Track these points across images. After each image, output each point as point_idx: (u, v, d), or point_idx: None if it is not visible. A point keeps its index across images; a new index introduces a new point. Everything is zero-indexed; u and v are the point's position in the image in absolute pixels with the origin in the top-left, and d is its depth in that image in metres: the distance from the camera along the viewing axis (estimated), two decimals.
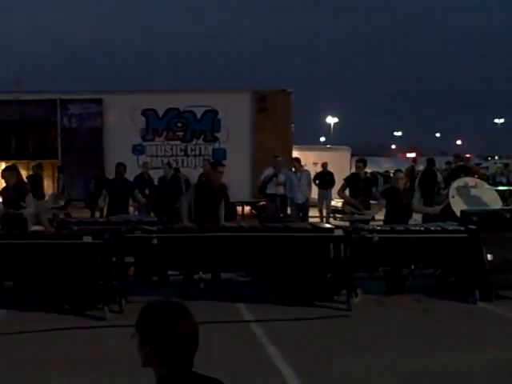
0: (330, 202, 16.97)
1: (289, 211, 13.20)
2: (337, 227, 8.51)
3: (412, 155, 37.65)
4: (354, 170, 13.20)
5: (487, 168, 30.88)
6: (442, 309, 7.82)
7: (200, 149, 16.97)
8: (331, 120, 68.41)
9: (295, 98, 17.18)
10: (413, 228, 8.76)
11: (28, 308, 7.69)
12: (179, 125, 16.99)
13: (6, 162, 19.56)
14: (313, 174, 15.41)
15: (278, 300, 7.95)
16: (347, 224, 9.06)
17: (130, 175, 11.66)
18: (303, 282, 7.93)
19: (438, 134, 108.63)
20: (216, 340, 5.88)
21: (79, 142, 17.07)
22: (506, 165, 30.51)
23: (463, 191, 10.53)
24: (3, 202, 9.02)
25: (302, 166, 14.00)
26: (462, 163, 14.99)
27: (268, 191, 12.73)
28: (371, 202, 10.49)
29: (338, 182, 13.49)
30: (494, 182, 22.40)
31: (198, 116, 16.93)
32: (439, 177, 14.14)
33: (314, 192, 15.42)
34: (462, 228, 8.39)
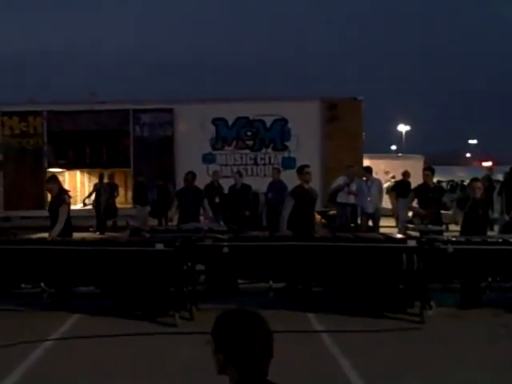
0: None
1: (359, 221, 13.03)
2: (410, 237, 8.30)
3: (488, 164, 36.44)
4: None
5: None
6: None
7: (269, 157, 17.00)
8: (403, 128, 67.22)
9: (366, 106, 16.98)
10: (490, 239, 8.44)
11: (101, 313, 7.84)
12: (249, 134, 17.09)
13: (81, 171, 20.24)
14: (383, 183, 15.14)
15: (348, 310, 7.82)
16: (419, 234, 8.82)
17: (200, 184, 11.76)
18: (375, 292, 7.78)
19: None
20: (287, 350, 5.82)
21: (151, 151, 17.42)
22: None
23: None
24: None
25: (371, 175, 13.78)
26: None
27: (339, 200, 12.60)
28: (442, 211, 10.15)
29: None
30: None
31: (268, 125, 16.98)
32: None
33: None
34: None
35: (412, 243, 7.80)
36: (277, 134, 16.97)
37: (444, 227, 9.73)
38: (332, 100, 17.10)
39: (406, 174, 16.72)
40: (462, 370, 5.80)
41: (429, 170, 10.48)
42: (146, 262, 7.67)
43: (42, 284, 7.89)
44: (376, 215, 12.85)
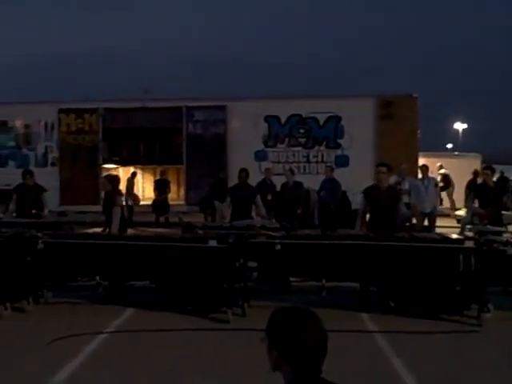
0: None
1: (414, 220, 12.77)
2: (467, 238, 8.09)
3: None
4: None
5: None
6: None
7: (322, 155, 16.87)
8: (460, 126, 65.73)
9: (421, 103, 16.67)
10: None
11: (154, 308, 7.91)
12: (301, 131, 17.00)
13: (135, 167, 20.53)
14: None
15: (403, 311, 7.67)
16: (476, 235, 8.57)
17: (252, 181, 11.73)
18: (430, 293, 7.60)
19: None
20: (340, 349, 5.74)
21: (203, 148, 17.52)
22: None
23: None
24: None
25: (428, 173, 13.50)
26: None
27: None
28: (503, 212, 9.84)
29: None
30: None
31: (321, 122, 16.86)
32: None
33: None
34: None
35: (469, 244, 7.60)
36: (330, 132, 16.83)
37: (504, 228, 9.41)
38: (387, 97, 16.85)
39: (476, 174, 16.29)
40: None
41: (489, 169, 10.16)
42: (199, 258, 7.70)
43: (98, 277, 8.02)
44: (432, 215, 12.59)
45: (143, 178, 21.09)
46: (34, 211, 10.04)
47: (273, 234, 8.15)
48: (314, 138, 16.97)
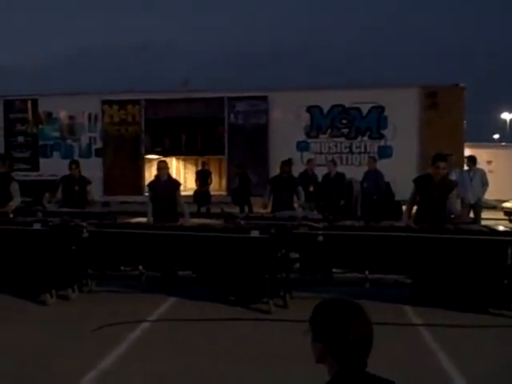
0: None
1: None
2: None
3: None
4: None
5: None
6: None
7: (365, 146, 16.70)
8: (507, 116, 64.14)
9: (467, 93, 16.29)
10: None
11: (196, 298, 7.94)
12: (344, 121, 16.85)
13: (177, 158, 20.67)
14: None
15: (447, 305, 7.51)
16: None
17: (294, 172, 11.68)
18: (476, 287, 7.43)
19: None
20: (383, 343, 5.65)
21: (245, 139, 17.52)
22: None
23: None
24: (155, 194, 9.49)
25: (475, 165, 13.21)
26: None
27: None
28: None
29: None
30: None
31: (364, 112, 16.68)
32: None
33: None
34: None
35: None
36: (373, 122, 16.63)
37: None
38: (432, 87, 16.53)
39: None
40: None
41: None
42: (241, 248, 7.68)
43: (141, 267, 8.08)
44: (478, 206, 12.33)
45: (185, 168, 21.22)
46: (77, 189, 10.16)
47: (315, 225, 8.07)
48: (356, 128, 16.80)
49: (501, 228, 8.52)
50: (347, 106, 16.77)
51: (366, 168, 14.05)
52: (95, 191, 11.07)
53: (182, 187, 17.12)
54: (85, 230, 8.10)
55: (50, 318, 7.17)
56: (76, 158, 16.93)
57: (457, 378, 5.27)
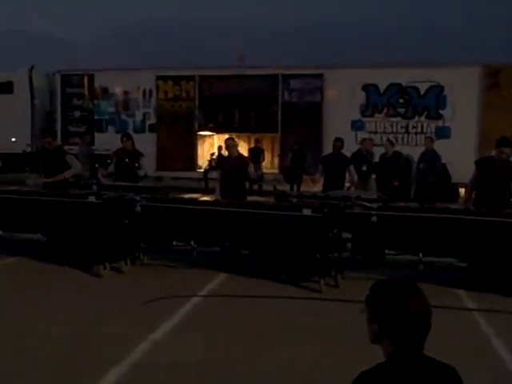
0: None
1: None
2: None
3: None
4: None
5: None
6: None
7: (422, 126, 16.33)
8: None
9: None
10: None
11: (247, 274, 7.93)
12: (401, 101, 16.51)
13: (230, 134, 20.68)
14: None
15: (501, 290, 7.27)
16: None
17: (347, 151, 11.47)
18: None
19: None
20: (438, 326, 5.51)
21: (299, 117, 17.37)
22: None
23: None
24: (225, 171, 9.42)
25: None
26: None
27: None
28: None
29: None
30: None
31: (422, 92, 16.29)
32: None
33: None
34: None
35: None
36: (431, 102, 16.23)
37: None
38: (494, 65, 15.98)
39: None
40: None
41: None
42: (292, 226, 7.60)
43: (192, 242, 8.10)
44: None
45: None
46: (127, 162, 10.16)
47: (369, 205, 7.92)
48: (413, 107, 16.44)
49: None
50: (405, 84, 16.40)
51: (422, 148, 13.73)
52: (148, 166, 11.11)
53: None
54: (138, 204, 8.16)
55: (103, 289, 7.28)
56: (130, 132, 17.13)
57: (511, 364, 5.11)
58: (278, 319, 6.19)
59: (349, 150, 11.92)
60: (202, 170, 18.81)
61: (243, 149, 20.70)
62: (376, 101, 16.67)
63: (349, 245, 8.17)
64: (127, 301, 6.73)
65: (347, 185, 11.04)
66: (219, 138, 20.42)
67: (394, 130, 16.44)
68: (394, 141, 13.90)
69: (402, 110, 16.52)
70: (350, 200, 8.35)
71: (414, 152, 14.39)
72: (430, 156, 13.10)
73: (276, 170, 18.13)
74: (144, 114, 19.35)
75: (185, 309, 6.43)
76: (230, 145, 9.50)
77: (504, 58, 20.96)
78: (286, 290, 7.28)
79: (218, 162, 9.81)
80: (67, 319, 6.01)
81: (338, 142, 10.66)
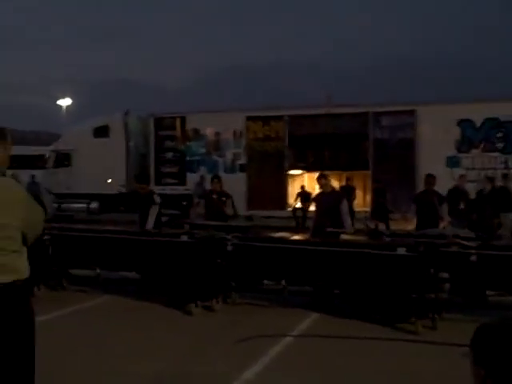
0: None
1: None
2: None
3: None
4: None
5: None
6: None
7: None
8: None
9: None
10: None
11: (339, 314, 7.73)
12: (499, 135, 15.91)
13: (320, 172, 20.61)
14: None
15: None
16: None
17: (443, 188, 11.06)
18: None
19: None
20: None
21: (390, 154, 17.09)
22: None
23: None
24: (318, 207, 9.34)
25: None
26: None
27: None
28: None
29: None
30: None
31: None
32: None
33: None
34: None
35: None
36: None
37: None
38: None
39: None
40: None
41: None
42: (386, 265, 7.37)
43: (283, 281, 8.00)
44: None
45: None
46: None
47: (467, 243, 7.57)
48: None
49: None
50: (502, 119, 15.82)
51: None
52: (239, 205, 11.18)
53: None
54: (229, 243, 8.18)
55: (194, 327, 7.29)
56: (221, 173, 17.40)
57: None
58: (372, 361, 5.96)
59: (445, 187, 11.52)
60: (291, 209, 18.78)
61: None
62: (472, 136, 16.19)
63: (447, 285, 7.82)
64: (219, 339, 6.70)
65: (442, 224, 10.64)
66: (309, 177, 20.39)
67: (493, 166, 15.83)
68: (493, 176, 13.36)
69: (500, 145, 15.93)
70: (446, 238, 8.04)
71: None
72: None
73: (368, 208, 17.83)
74: (234, 154, 19.64)
75: (276, 349, 6.32)
76: (323, 182, 9.42)
77: None
78: (381, 331, 7.01)
79: (313, 199, 9.73)
80: (159, 357, 6.03)
81: (431, 178, 10.33)
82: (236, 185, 17.86)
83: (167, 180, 20.18)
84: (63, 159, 21.44)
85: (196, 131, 20.25)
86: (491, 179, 12.53)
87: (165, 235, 8.90)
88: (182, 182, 20.11)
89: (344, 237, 9.04)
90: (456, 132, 16.31)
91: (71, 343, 6.48)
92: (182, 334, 6.99)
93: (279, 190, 18.81)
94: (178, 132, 20.51)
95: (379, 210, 15.75)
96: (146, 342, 6.52)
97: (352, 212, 17.37)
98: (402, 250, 7.33)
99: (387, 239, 8.68)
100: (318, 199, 9.57)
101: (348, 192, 17.74)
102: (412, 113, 16.94)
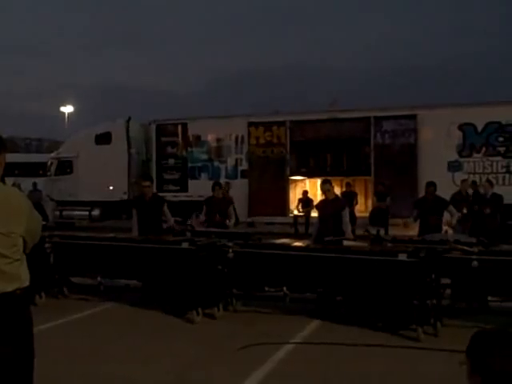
0: None
1: None
2: None
3: None
4: None
5: None
6: None
7: None
8: None
9: None
10: None
11: (340, 321, 7.71)
12: (500, 139, 15.90)
13: (322, 178, 20.60)
14: None
15: None
16: None
17: (444, 193, 11.05)
18: None
19: None
20: None
21: (392, 159, 17.08)
22: None
23: None
24: (321, 214, 9.35)
25: None
26: None
27: None
28: None
29: None
30: None
31: None
32: None
33: None
34: None
35: None
36: None
37: None
38: None
39: None
40: None
41: None
42: (388, 272, 7.35)
43: (285, 288, 7.99)
44: None
45: None
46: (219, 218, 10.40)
47: (469, 249, 7.55)
48: None
49: None
50: (504, 122, 15.81)
51: None
52: (240, 211, 11.18)
53: None
54: (230, 250, 8.18)
55: (195, 335, 7.27)
56: (222, 179, 17.41)
57: None
58: (374, 368, 5.94)
59: (446, 192, 11.51)
60: (292, 215, 18.76)
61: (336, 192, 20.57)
62: (474, 140, 16.18)
63: (448, 291, 7.80)
64: (220, 347, 6.69)
65: (445, 228, 10.63)
66: (311, 183, 20.40)
67: (494, 170, 15.81)
68: (493, 181, 13.34)
69: (501, 149, 15.92)
70: (447, 244, 8.02)
71: None
72: None
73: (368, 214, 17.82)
74: (236, 160, 19.65)
75: (278, 356, 6.30)
76: (326, 188, 9.43)
77: None
78: (382, 337, 6.99)
79: (316, 206, 9.75)
80: (160, 365, 6.02)
81: (431, 187, 10.28)
82: (238, 191, 17.88)
83: (169, 186, 20.19)
84: (65, 166, 21.47)
85: (198, 137, 20.27)
86: (491, 183, 12.50)
87: (166, 242, 8.90)
88: (184, 189, 20.11)
89: (346, 243, 9.05)
90: (457, 136, 16.31)
91: (72, 351, 6.47)
92: (183, 341, 6.97)
93: (281, 196, 18.80)
94: (180, 138, 20.54)
95: (378, 214, 15.72)
96: (148, 350, 6.52)
97: (354, 218, 17.43)
98: (402, 256, 7.31)
99: (389, 245, 8.66)
100: (322, 206, 9.57)
101: (350, 198, 17.77)
102: (413, 117, 16.94)
